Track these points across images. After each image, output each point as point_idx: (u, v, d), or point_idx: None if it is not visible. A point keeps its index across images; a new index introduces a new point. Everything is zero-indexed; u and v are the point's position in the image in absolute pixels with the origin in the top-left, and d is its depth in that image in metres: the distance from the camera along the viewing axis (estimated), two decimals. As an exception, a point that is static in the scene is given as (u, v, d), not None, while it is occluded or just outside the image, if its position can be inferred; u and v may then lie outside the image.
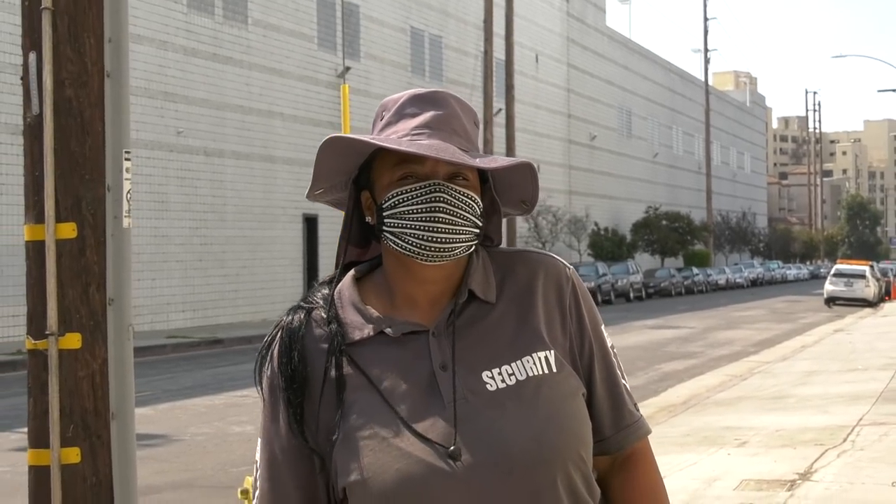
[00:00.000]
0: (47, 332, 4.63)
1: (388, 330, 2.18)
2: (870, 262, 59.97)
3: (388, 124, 2.24)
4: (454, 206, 2.16)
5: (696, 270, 73.40)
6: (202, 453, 13.00)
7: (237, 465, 11.95)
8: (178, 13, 34.86)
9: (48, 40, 4.70)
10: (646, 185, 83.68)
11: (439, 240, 2.15)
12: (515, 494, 2.09)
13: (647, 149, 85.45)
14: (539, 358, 2.20)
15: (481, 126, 45.48)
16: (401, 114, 2.23)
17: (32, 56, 4.77)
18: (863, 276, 52.40)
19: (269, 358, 2.25)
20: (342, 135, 2.19)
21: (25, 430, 5.03)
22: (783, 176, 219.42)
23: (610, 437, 2.30)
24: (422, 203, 2.15)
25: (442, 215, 2.15)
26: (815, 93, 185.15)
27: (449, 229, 2.15)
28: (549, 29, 66.52)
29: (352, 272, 2.30)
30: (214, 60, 36.45)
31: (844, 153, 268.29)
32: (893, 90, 63.22)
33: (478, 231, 2.21)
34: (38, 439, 4.80)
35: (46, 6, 4.66)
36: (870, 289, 51.98)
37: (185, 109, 34.93)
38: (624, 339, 29.23)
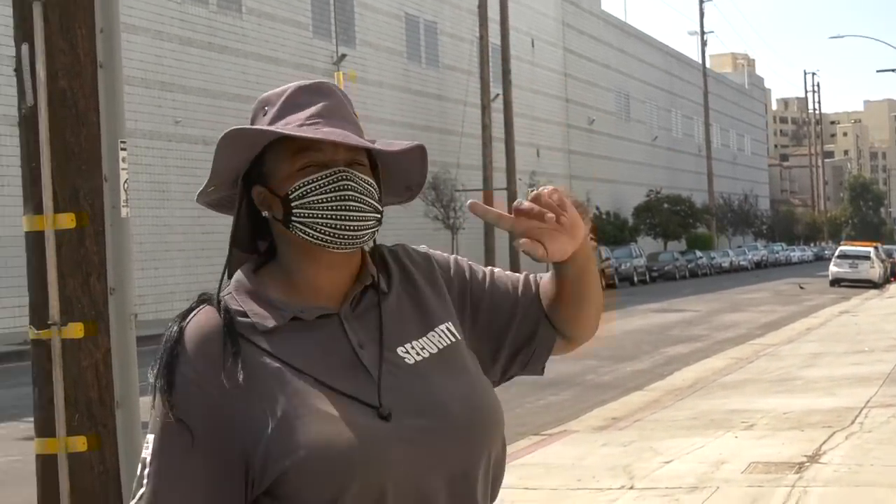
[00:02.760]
0: (49, 322, 4.61)
1: (301, 314, 2.18)
2: (875, 244, 59.92)
3: (277, 117, 2.21)
4: (360, 192, 2.18)
5: (699, 253, 73.41)
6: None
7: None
8: (173, 3, 34.83)
9: (40, 32, 4.67)
10: (646, 169, 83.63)
11: (350, 227, 2.17)
12: (459, 455, 2.14)
13: (646, 132, 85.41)
14: (444, 329, 2.26)
15: (478, 111, 45.63)
16: (290, 105, 2.22)
17: (25, 48, 4.73)
18: (868, 258, 52.44)
19: (174, 367, 2.27)
20: (243, 126, 2.18)
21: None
22: (784, 158, 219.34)
23: (523, 291, 2.37)
24: (331, 191, 2.16)
25: (352, 203, 2.16)
26: (813, 74, 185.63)
27: (358, 216, 2.17)
28: (544, 13, 66.40)
29: (248, 265, 2.27)
30: (210, 49, 36.41)
31: (845, 134, 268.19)
32: (893, 70, 63.03)
33: (379, 216, 2.23)
34: (44, 428, 4.78)
35: (38, -3, 4.62)
36: (875, 270, 52.02)
37: (183, 99, 34.90)
38: (628, 322, 29.17)
